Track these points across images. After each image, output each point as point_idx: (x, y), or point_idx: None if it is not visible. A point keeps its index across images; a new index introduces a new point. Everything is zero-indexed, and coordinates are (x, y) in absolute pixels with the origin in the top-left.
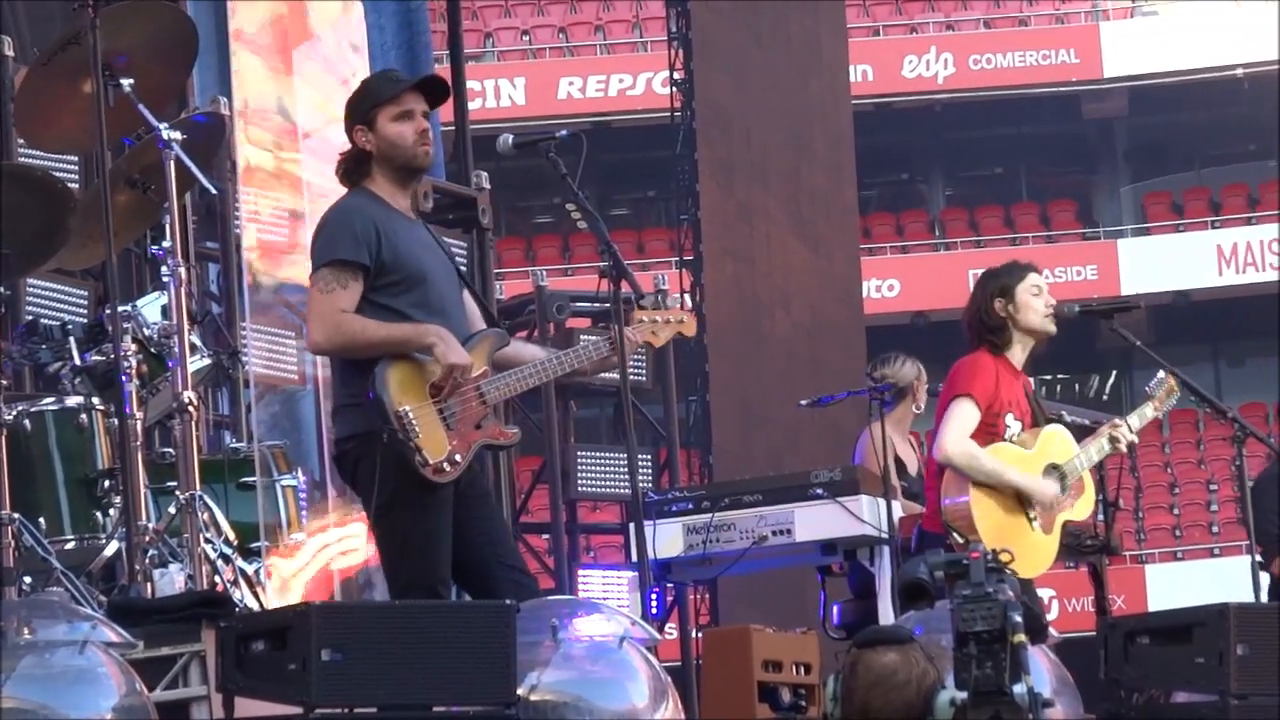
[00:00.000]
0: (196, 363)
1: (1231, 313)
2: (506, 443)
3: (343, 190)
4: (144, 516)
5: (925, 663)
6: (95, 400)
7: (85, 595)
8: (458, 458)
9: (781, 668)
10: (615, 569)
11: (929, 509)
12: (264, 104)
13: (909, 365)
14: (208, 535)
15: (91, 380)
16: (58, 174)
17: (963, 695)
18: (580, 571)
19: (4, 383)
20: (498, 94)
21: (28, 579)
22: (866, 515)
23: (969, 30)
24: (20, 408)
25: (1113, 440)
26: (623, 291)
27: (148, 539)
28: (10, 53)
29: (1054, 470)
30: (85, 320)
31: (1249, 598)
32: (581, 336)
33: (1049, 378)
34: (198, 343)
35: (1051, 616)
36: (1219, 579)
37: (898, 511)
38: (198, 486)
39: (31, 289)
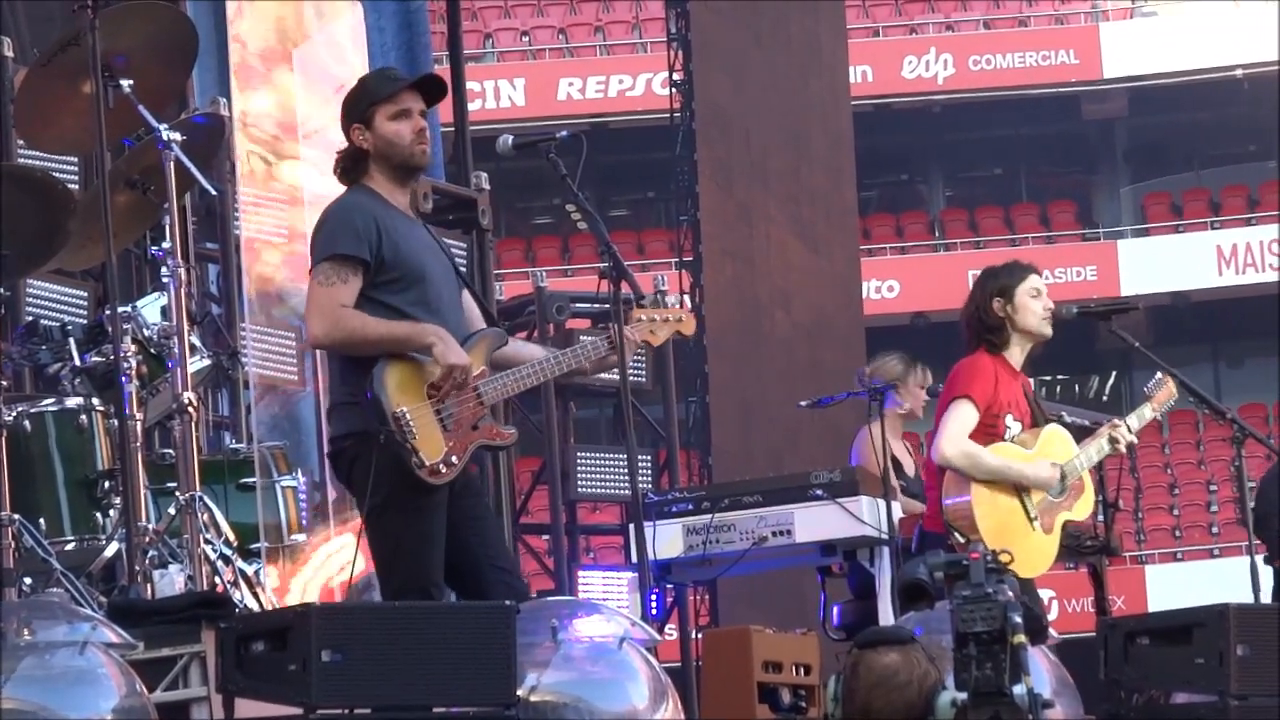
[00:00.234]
0: (196, 364)
1: (1231, 313)
2: (503, 444)
3: (342, 189)
4: (144, 517)
5: (927, 663)
6: (95, 401)
7: (85, 596)
8: (454, 459)
9: (781, 668)
10: (615, 570)
11: (930, 509)
12: (263, 106)
13: (893, 360)
14: (207, 536)
15: (91, 381)
16: (57, 175)
17: (963, 696)
18: (580, 572)
19: (4, 384)
20: (497, 95)
21: (28, 580)
22: (866, 516)
23: (969, 31)
24: (20, 408)
25: (1112, 441)
26: (623, 292)
27: (148, 540)
28: (10, 53)
29: (1054, 470)
30: (85, 321)
31: (1249, 598)
32: (581, 337)
33: (1048, 379)
34: (197, 343)
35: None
36: (1219, 580)
37: (897, 512)
38: (197, 487)
39: (31, 290)
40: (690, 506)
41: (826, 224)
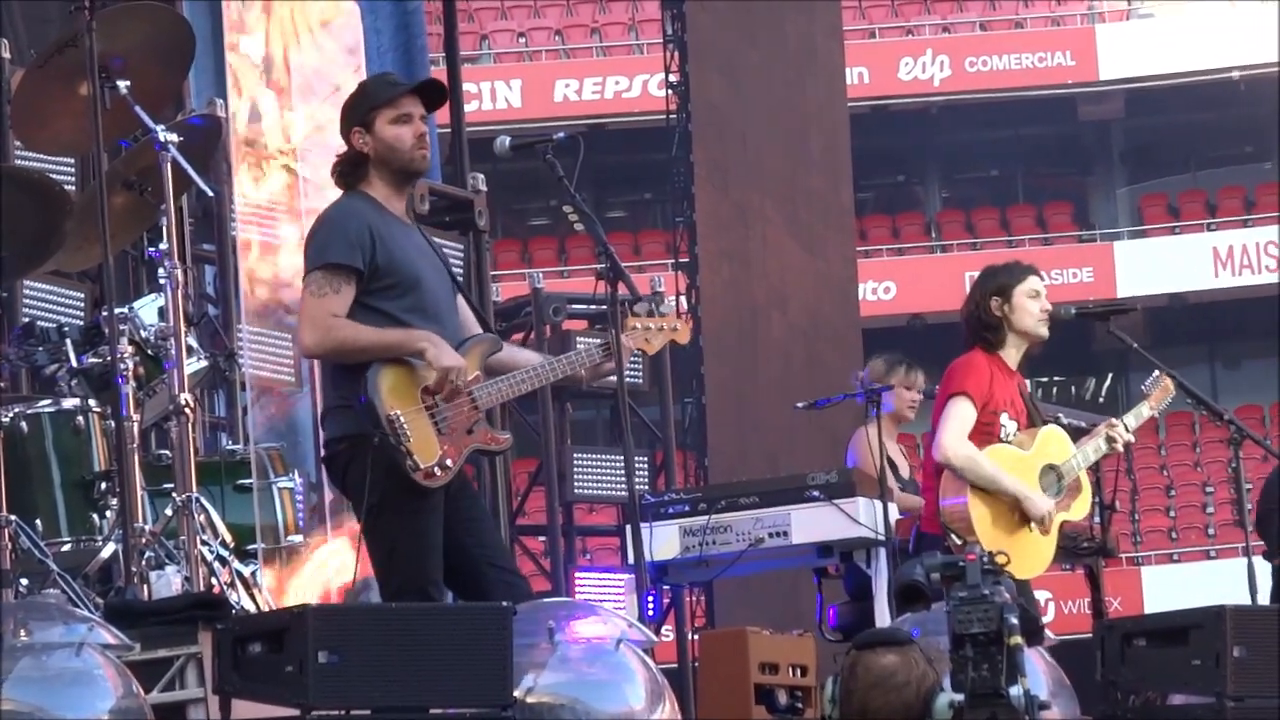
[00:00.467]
0: (193, 365)
1: (1228, 315)
2: (498, 448)
3: (339, 192)
4: (140, 518)
5: (925, 665)
6: (92, 402)
7: (82, 597)
8: (449, 463)
9: (778, 670)
10: (612, 571)
11: (927, 510)
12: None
13: (877, 361)
14: (204, 537)
15: (88, 382)
16: (54, 176)
17: (960, 697)
18: (577, 574)
19: (1, 385)
20: (494, 96)
21: (24, 581)
22: (863, 517)
23: (965, 32)
24: (17, 410)
25: (1109, 440)
26: (619, 294)
27: (144, 541)
28: (7, 55)
29: (1051, 470)
30: (82, 322)
31: (1245, 599)
32: (578, 339)
33: (1045, 380)
34: (194, 345)
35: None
36: (1215, 581)
37: (894, 513)
38: (194, 488)
39: (28, 291)
40: (687, 508)
41: (823, 225)
